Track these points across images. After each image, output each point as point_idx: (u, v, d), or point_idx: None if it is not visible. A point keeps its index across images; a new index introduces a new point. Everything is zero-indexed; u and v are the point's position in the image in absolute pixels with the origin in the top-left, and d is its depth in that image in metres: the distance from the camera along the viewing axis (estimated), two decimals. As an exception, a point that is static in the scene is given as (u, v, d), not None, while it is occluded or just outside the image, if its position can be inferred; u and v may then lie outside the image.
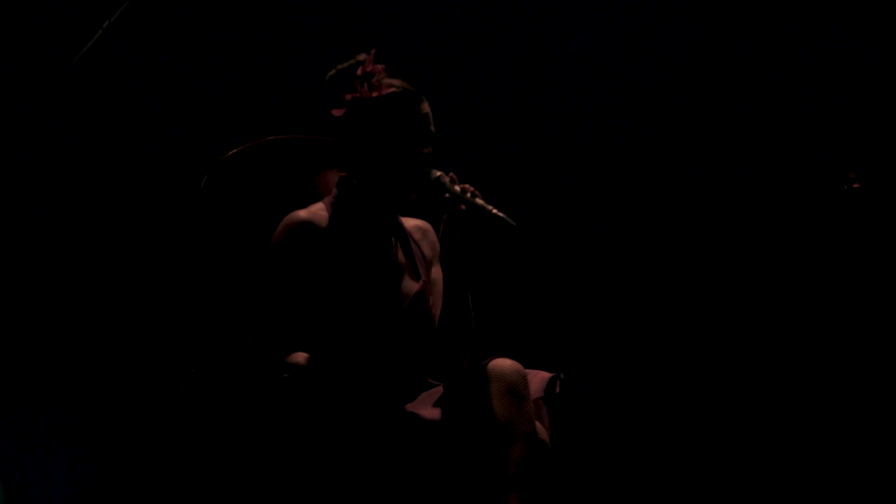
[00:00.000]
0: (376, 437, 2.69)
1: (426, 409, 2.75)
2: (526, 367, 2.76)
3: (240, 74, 4.05)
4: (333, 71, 2.91)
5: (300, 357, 2.73)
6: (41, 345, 3.87)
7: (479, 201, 2.78)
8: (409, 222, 3.02)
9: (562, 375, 2.79)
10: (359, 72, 2.88)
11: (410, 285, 2.88)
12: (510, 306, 4.19)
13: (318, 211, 2.86)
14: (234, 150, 3.05)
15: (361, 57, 2.92)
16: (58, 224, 3.93)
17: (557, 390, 2.77)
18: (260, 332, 2.77)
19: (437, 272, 2.95)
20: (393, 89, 2.87)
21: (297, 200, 2.99)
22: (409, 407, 2.77)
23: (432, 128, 2.90)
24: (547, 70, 4.28)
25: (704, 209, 4.24)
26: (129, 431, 3.87)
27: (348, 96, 2.86)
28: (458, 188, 2.80)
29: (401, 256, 2.93)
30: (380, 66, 2.89)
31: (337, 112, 2.87)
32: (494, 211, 2.74)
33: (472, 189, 2.79)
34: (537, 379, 2.79)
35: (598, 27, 4.26)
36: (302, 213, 2.84)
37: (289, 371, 2.71)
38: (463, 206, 2.79)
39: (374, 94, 2.85)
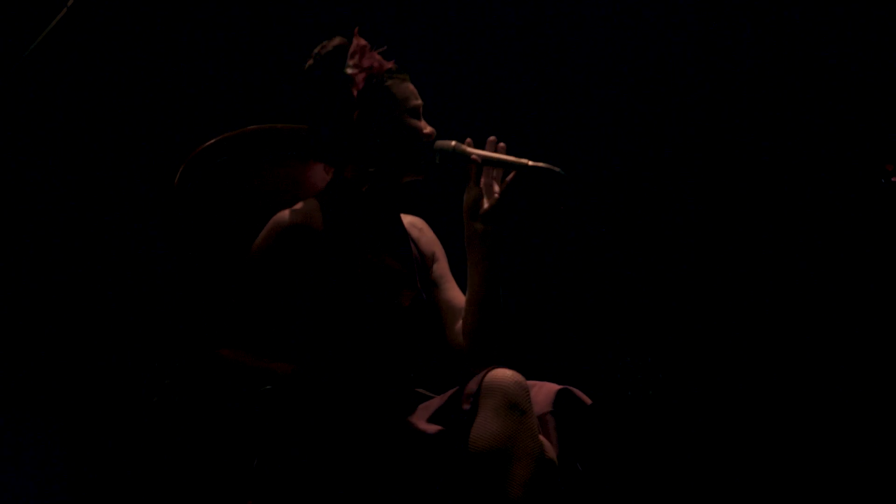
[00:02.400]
0: (366, 453, 2.61)
1: (420, 423, 2.66)
2: (530, 378, 2.66)
3: (214, 56, 4.02)
4: (311, 61, 2.79)
5: (283, 368, 2.65)
6: (10, 351, 3.85)
7: (510, 157, 2.67)
8: (404, 220, 2.93)
9: (573, 389, 2.70)
10: (355, 56, 2.77)
11: (406, 294, 2.80)
12: (512, 312, 4.14)
13: (310, 211, 2.76)
14: (212, 141, 2.96)
15: (336, 41, 2.80)
16: (24, 224, 3.89)
17: (589, 402, 2.66)
18: (240, 341, 2.69)
19: (439, 268, 2.87)
20: (390, 64, 2.78)
21: (280, 196, 2.90)
22: (400, 423, 2.67)
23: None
24: (548, 68, 4.29)
25: (734, 208, 4.27)
26: (100, 446, 3.85)
27: (358, 79, 2.74)
28: (480, 150, 2.70)
29: (399, 259, 2.84)
30: (366, 43, 2.78)
31: (357, 88, 2.74)
32: (531, 163, 2.63)
33: (499, 144, 2.70)
34: (543, 392, 2.69)
35: (602, 26, 4.28)
36: (293, 214, 2.75)
37: (272, 382, 2.62)
38: (484, 171, 2.69)
39: (377, 69, 2.75)
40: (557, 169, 2.60)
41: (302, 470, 2.59)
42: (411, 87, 2.79)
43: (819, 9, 4.19)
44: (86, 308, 3.87)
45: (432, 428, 2.63)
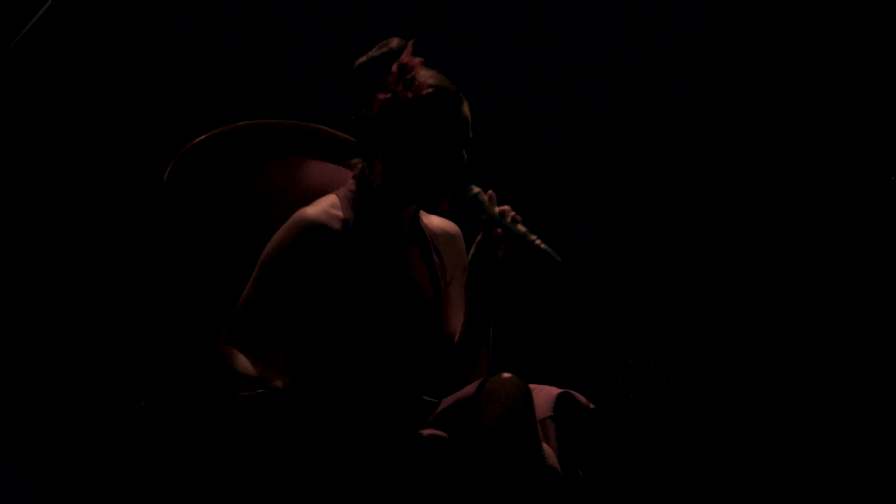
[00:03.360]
0: (367, 459, 2.57)
1: (420, 429, 2.63)
2: (530, 381, 2.62)
3: (206, 49, 4.00)
4: (364, 58, 2.74)
5: (280, 380, 2.60)
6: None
7: (522, 228, 2.65)
8: (435, 222, 2.88)
9: (573, 392, 2.66)
10: (394, 67, 2.71)
11: (424, 300, 2.78)
12: (513, 314, 4.14)
13: (330, 210, 2.72)
14: (202, 137, 2.92)
15: (394, 44, 2.74)
16: (7, 223, 3.86)
17: (591, 406, 2.64)
18: (239, 342, 2.65)
19: (456, 288, 2.85)
20: (431, 90, 2.69)
21: (275, 194, 2.88)
22: (399, 430, 2.63)
23: (471, 133, 2.73)
24: (549, 70, 4.30)
25: (739, 209, 4.27)
26: (87, 450, 3.83)
27: (381, 95, 2.69)
28: (497, 210, 2.67)
29: (419, 266, 2.80)
30: (417, 60, 2.71)
31: (368, 112, 2.71)
32: (538, 242, 2.63)
33: (513, 213, 2.68)
34: (543, 396, 2.65)
35: (603, 26, 4.29)
36: (313, 212, 2.70)
37: (268, 387, 2.58)
38: (500, 231, 2.69)
39: (411, 95, 2.69)
40: (559, 258, 2.60)
41: (299, 478, 2.55)
42: (456, 115, 2.70)
43: (822, 8, 4.19)
44: (72, 308, 3.85)
45: (433, 434, 2.60)
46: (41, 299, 3.84)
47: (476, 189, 2.68)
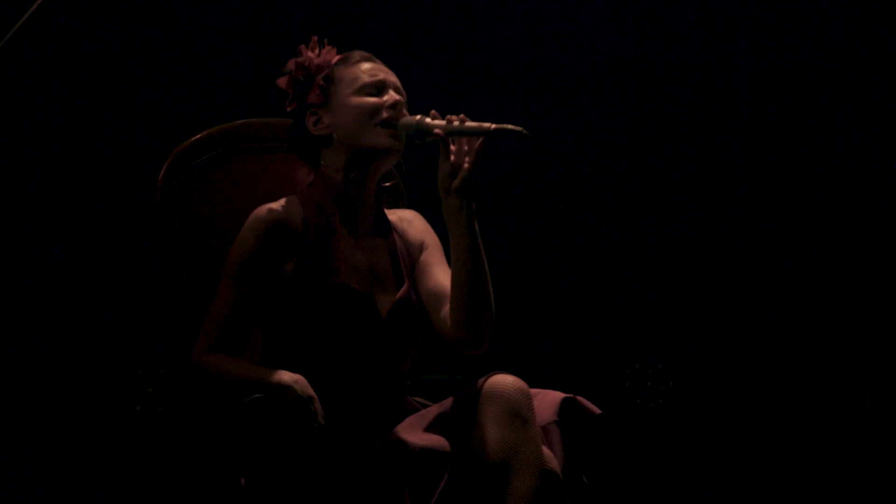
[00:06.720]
0: (356, 467, 2.55)
1: (414, 435, 2.60)
2: (534, 386, 2.60)
3: (202, 46, 4.01)
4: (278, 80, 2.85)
5: (285, 376, 2.57)
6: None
7: (472, 124, 2.61)
8: (393, 215, 2.88)
9: (578, 397, 2.63)
10: (298, 62, 2.83)
11: (391, 293, 2.76)
12: (513, 315, 4.10)
13: (289, 206, 2.74)
14: (197, 136, 2.93)
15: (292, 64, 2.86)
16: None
17: (597, 411, 2.61)
18: (225, 346, 2.66)
19: (428, 255, 2.83)
20: (329, 58, 2.83)
21: (272, 194, 2.84)
22: (395, 433, 2.62)
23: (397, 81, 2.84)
24: (548, 68, 4.30)
25: (749, 210, 4.26)
26: (81, 457, 3.83)
27: (286, 84, 2.81)
28: (442, 122, 2.65)
29: (384, 259, 2.80)
30: (307, 55, 2.83)
31: (281, 82, 2.81)
32: (494, 126, 2.61)
33: (459, 116, 2.67)
34: (548, 400, 2.63)
35: (601, 26, 4.30)
36: (273, 208, 2.73)
37: (259, 391, 2.54)
38: (455, 143, 2.66)
39: (318, 61, 2.81)
40: (520, 128, 2.58)
41: (291, 486, 2.52)
42: (362, 67, 2.79)
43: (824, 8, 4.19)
44: (66, 311, 3.84)
45: (428, 439, 2.57)
46: (35, 301, 3.83)
47: (417, 117, 2.71)
